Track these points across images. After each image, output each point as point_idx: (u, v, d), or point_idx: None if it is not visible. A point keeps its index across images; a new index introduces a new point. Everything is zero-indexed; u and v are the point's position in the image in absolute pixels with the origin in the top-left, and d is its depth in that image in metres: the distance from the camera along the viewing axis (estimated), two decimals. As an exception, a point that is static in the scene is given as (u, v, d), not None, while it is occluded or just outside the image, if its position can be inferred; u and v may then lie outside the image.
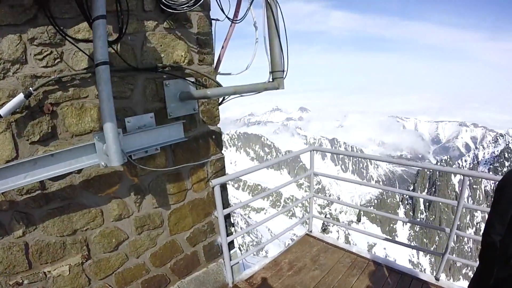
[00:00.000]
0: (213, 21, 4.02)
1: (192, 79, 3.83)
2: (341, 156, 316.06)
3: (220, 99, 4.33)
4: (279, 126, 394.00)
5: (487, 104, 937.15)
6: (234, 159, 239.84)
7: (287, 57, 3.94)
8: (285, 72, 3.98)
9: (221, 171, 4.60)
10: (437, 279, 5.11)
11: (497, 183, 2.25)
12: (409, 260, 79.58)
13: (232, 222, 5.03)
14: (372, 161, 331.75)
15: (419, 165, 5.84)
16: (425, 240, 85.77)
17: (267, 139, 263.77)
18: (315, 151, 6.16)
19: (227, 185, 5.00)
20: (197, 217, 4.33)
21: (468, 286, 2.52)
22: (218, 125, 4.40)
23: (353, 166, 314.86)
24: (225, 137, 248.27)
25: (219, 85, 4.06)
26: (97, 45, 2.61)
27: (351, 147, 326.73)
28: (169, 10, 3.39)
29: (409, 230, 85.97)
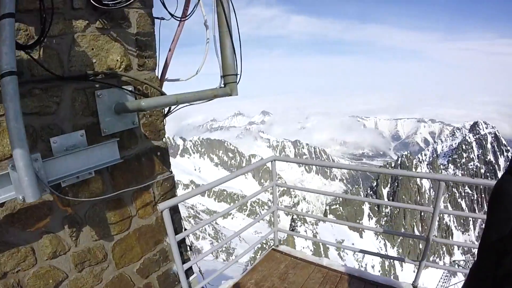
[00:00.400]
0: (157, 20, 3.46)
1: (130, 88, 3.22)
2: (304, 156, 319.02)
3: (166, 110, 3.75)
4: (241, 130, 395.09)
5: (443, 101, 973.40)
6: (198, 166, 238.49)
7: (241, 59, 3.45)
8: (238, 76, 3.49)
9: (170, 192, 4.01)
10: (414, 287, 4.84)
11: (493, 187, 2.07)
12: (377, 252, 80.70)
13: (189, 244, 4.48)
14: (335, 159, 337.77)
15: (397, 172, 5.52)
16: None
17: (230, 144, 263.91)
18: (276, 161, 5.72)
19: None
20: (146, 246, 3.75)
21: (465, 283, 2.31)
22: (164, 139, 3.80)
23: (317, 166, 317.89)
24: (188, 144, 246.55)
25: (162, 93, 3.45)
26: (1, 51, 2.08)
27: (314, 148, 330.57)
28: (102, 7, 2.81)
29: (375, 224, 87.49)
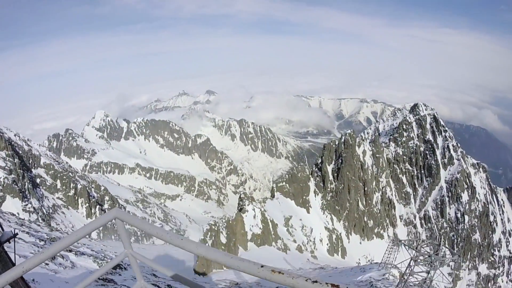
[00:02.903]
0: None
1: None
2: (250, 135, 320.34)
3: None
4: (186, 110, 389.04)
5: (385, 83, 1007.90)
6: (144, 148, 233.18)
7: None
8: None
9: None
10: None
11: None
12: (324, 227, 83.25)
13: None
14: (280, 138, 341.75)
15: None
16: (337, 207, 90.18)
17: (175, 125, 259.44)
18: (120, 220, 4.80)
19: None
20: None
21: None
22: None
23: (263, 144, 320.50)
24: (132, 126, 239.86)
25: None
26: None
27: (260, 126, 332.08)
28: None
29: (321, 200, 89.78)
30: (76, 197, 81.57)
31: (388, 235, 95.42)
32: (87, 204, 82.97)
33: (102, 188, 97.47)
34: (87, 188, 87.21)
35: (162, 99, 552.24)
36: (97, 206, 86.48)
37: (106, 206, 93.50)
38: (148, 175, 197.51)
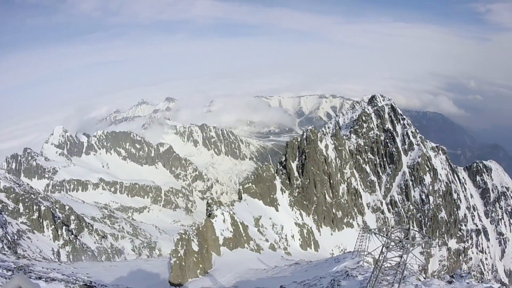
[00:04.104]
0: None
1: None
2: (212, 139, 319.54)
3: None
4: (147, 119, 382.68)
5: (343, 78, 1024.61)
6: (106, 162, 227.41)
7: None
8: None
9: None
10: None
11: None
12: (295, 222, 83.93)
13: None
14: (243, 139, 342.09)
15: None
16: (305, 202, 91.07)
17: (136, 135, 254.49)
18: None
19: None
20: None
21: None
22: None
23: (226, 148, 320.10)
24: (92, 140, 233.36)
25: None
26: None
27: (222, 130, 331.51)
28: None
29: (289, 197, 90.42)
30: (41, 220, 78.47)
31: (357, 224, 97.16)
32: (53, 226, 79.91)
33: (67, 207, 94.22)
34: (51, 209, 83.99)
35: (122, 110, 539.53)
36: (63, 227, 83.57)
37: (72, 226, 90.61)
38: (112, 189, 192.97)
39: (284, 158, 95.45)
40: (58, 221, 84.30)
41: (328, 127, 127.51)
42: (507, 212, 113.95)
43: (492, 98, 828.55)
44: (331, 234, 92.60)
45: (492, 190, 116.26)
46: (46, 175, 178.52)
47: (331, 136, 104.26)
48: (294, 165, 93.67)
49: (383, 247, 15.79)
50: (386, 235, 15.94)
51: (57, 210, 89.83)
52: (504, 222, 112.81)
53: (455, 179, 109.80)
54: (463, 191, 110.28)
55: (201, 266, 46.49)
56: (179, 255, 41.30)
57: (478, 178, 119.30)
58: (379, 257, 16.20)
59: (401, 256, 15.66)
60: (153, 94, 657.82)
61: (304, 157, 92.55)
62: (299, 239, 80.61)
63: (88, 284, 29.13)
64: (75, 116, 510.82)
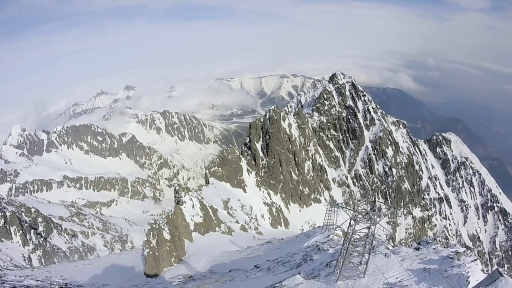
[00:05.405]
0: None
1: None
2: (175, 125, 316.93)
3: None
4: (107, 110, 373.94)
5: (304, 57, 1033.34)
6: (68, 158, 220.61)
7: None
8: None
9: None
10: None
11: None
12: (263, 202, 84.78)
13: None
14: (206, 123, 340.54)
15: None
16: (272, 181, 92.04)
17: (97, 127, 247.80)
18: None
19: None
20: None
21: None
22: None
23: (189, 133, 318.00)
24: (52, 136, 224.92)
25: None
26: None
27: (184, 115, 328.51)
28: None
29: (256, 177, 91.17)
30: (7, 227, 75.34)
31: (325, 199, 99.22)
32: (21, 231, 77.08)
33: (33, 210, 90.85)
34: (17, 214, 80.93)
35: (81, 102, 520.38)
36: (32, 231, 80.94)
37: (40, 228, 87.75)
38: (78, 185, 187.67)
39: (248, 139, 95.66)
40: (26, 225, 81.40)
41: (291, 106, 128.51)
42: (467, 181, 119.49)
43: (450, 74, 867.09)
44: (300, 210, 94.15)
45: (452, 160, 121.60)
46: (8, 179, 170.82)
47: (293, 115, 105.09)
48: (258, 145, 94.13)
49: (351, 220, 16.43)
50: (353, 208, 16.58)
51: (23, 214, 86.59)
52: (465, 190, 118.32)
53: (416, 151, 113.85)
54: (424, 162, 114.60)
55: (174, 254, 46.46)
56: (151, 245, 41.08)
57: (438, 149, 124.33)
58: (348, 230, 16.87)
59: (369, 227, 16.36)
60: (112, 84, 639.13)
61: (268, 137, 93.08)
62: (269, 218, 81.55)
63: (64, 286, 28.84)
64: (33, 113, 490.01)
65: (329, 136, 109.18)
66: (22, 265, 65.66)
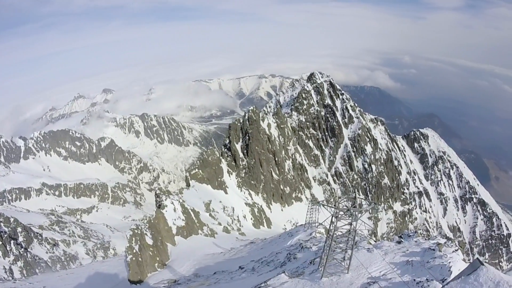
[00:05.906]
0: None
1: None
2: (154, 128, 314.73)
3: None
4: (85, 114, 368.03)
5: (282, 57, 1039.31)
6: (47, 164, 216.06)
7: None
8: None
9: None
10: None
11: None
12: (245, 203, 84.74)
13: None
14: (185, 125, 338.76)
15: None
16: (252, 182, 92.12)
17: (75, 132, 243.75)
18: None
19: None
20: None
21: None
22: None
23: (169, 135, 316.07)
24: (30, 143, 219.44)
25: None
26: None
27: (163, 118, 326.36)
28: None
29: (236, 178, 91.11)
30: None
31: (306, 197, 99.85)
32: (0, 243, 75.87)
33: (12, 219, 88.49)
34: (-4, 225, 79.31)
35: (58, 106, 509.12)
36: (11, 242, 79.16)
37: (20, 238, 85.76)
38: (57, 193, 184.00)
39: (228, 141, 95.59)
40: (5, 235, 79.45)
41: (269, 106, 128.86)
42: (445, 174, 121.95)
43: (426, 72, 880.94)
44: (282, 210, 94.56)
45: (430, 155, 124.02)
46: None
47: (272, 115, 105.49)
48: (238, 146, 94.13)
49: (332, 217, 16.58)
50: (334, 205, 16.73)
51: (1, 224, 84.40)
52: (444, 183, 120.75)
53: (395, 147, 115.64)
54: (403, 158, 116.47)
55: (158, 259, 45.99)
56: (134, 251, 40.55)
57: (416, 145, 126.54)
58: (330, 227, 17.01)
59: (350, 224, 16.54)
60: (89, 87, 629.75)
61: (247, 137, 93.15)
62: (251, 219, 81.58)
63: (47, 298, 28.32)
64: (9, 119, 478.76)
65: (309, 135, 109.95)
66: (4, 277, 64.42)
